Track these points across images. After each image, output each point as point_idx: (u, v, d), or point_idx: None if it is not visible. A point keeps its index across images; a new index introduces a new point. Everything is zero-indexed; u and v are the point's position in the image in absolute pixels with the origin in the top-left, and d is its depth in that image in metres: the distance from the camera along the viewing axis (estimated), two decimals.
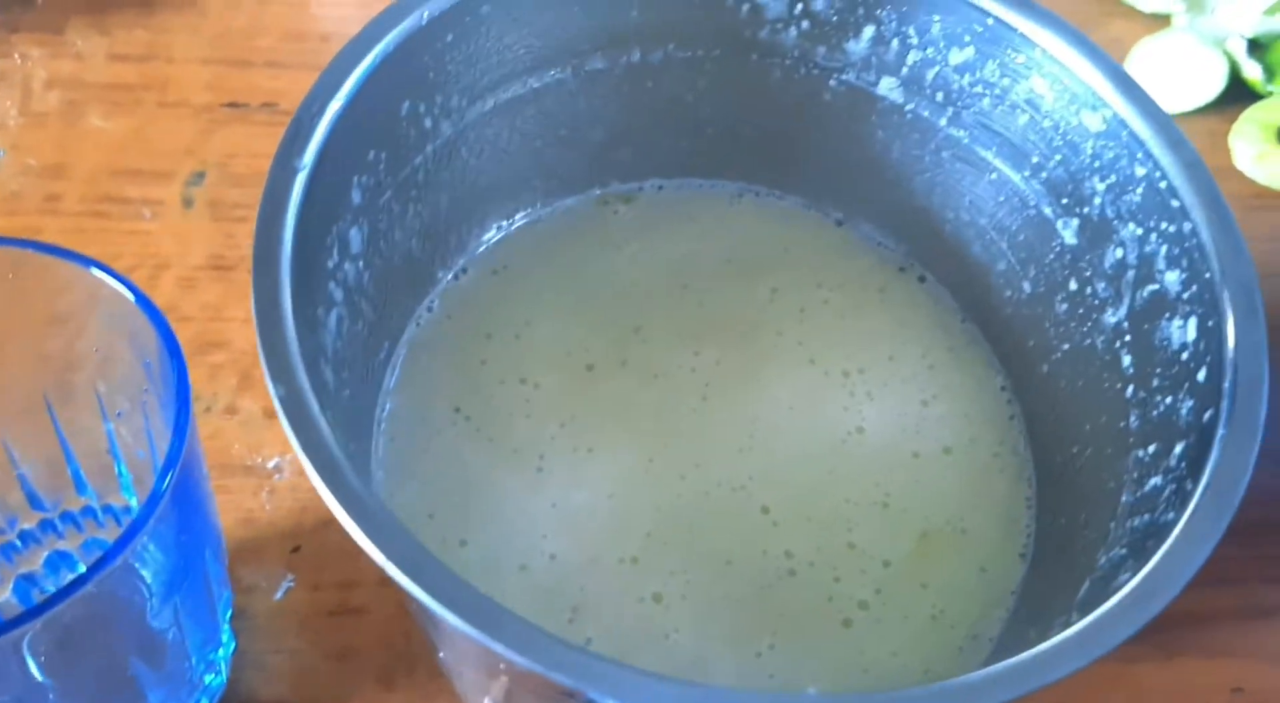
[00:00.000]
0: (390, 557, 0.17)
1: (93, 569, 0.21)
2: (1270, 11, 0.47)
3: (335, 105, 0.21)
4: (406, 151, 0.24)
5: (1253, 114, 0.44)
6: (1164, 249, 0.22)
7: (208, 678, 0.29)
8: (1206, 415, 0.20)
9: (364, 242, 0.23)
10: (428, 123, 0.24)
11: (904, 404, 0.27)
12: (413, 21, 0.22)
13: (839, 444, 0.26)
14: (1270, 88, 0.44)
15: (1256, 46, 0.46)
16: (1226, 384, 0.20)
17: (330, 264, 0.22)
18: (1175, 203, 0.22)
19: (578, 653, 0.17)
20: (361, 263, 0.23)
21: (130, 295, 0.24)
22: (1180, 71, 0.45)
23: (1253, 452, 0.19)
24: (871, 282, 0.29)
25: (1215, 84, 0.44)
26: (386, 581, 0.32)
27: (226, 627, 0.30)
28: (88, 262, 0.24)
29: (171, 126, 0.40)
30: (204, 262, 0.38)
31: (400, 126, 0.24)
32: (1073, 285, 0.25)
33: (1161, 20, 0.47)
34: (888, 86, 0.27)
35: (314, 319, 0.21)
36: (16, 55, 0.42)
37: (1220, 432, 0.19)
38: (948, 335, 0.28)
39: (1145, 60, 0.45)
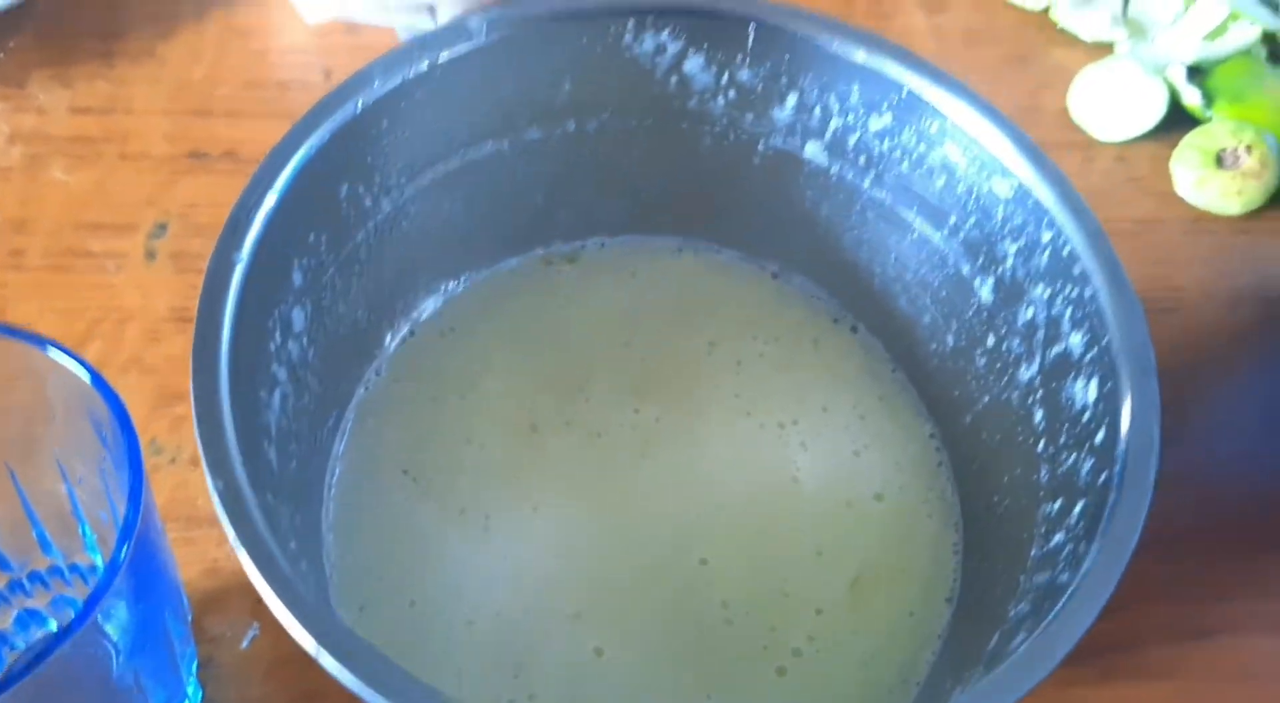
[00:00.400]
0: (314, 636, 0.18)
1: (50, 645, 0.22)
2: (1210, 37, 0.48)
3: (271, 198, 0.22)
4: (348, 230, 0.25)
5: (1192, 140, 0.45)
6: (1068, 312, 0.23)
7: None
8: (1102, 477, 0.21)
9: (307, 319, 0.24)
10: (368, 202, 0.25)
11: (837, 453, 0.28)
12: (346, 111, 0.23)
13: (775, 495, 0.28)
14: (1209, 114, 0.46)
15: (1196, 73, 0.47)
16: (1120, 449, 0.21)
17: (273, 347, 0.23)
18: (1077, 269, 0.23)
19: None
20: (306, 339, 0.24)
21: (85, 375, 0.25)
22: (1122, 99, 0.46)
23: (1140, 519, 0.20)
24: (806, 333, 0.30)
25: (1156, 111, 0.46)
26: None
27: (193, 679, 0.31)
28: (43, 342, 0.25)
29: (133, 178, 0.41)
30: (168, 313, 0.38)
31: (340, 208, 0.25)
32: (990, 341, 0.26)
33: (1104, 48, 0.48)
34: (813, 150, 0.28)
35: (256, 403, 0.21)
36: None
37: (1112, 497, 0.20)
38: (879, 385, 0.29)
39: (1088, 89, 0.46)
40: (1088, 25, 0.48)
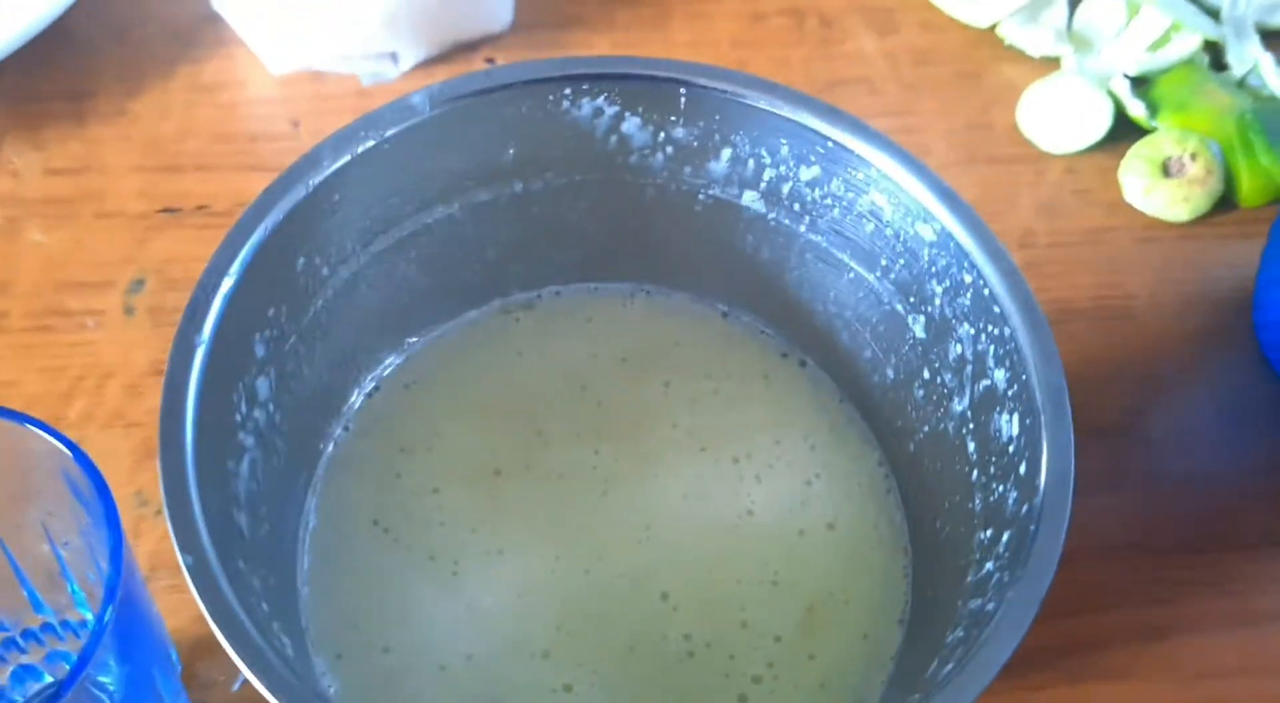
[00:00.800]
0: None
1: None
2: (1153, 48, 0.49)
3: (228, 282, 0.23)
4: (307, 300, 0.26)
5: (1139, 150, 0.46)
6: (991, 349, 0.25)
7: None
8: (1024, 508, 0.22)
9: (272, 387, 0.26)
10: (324, 271, 0.27)
11: (789, 484, 0.30)
12: (298, 192, 0.24)
13: (730, 528, 0.29)
14: (1154, 123, 0.47)
15: (1140, 84, 0.49)
16: (1039, 482, 0.22)
17: (239, 418, 0.24)
18: (996, 308, 0.24)
19: None
20: (272, 406, 0.26)
21: (65, 449, 0.26)
22: (1069, 113, 0.47)
23: (1059, 542, 0.21)
24: (756, 369, 0.31)
25: (1102, 124, 0.47)
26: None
27: None
28: (22, 419, 0.26)
29: (109, 236, 0.42)
30: (148, 368, 0.39)
31: (298, 280, 0.26)
32: (926, 374, 0.28)
33: (1051, 63, 0.50)
34: (750, 199, 0.29)
35: (224, 474, 0.23)
36: None
37: (1033, 528, 0.22)
38: (828, 416, 0.31)
39: (1036, 104, 0.48)
40: (1034, 41, 0.50)
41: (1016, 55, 0.50)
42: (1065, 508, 0.21)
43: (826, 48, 0.50)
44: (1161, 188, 0.46)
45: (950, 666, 0.21)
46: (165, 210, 0.43)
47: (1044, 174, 0.47)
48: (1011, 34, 0.50)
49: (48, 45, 0.46)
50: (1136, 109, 0.47)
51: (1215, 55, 0.50)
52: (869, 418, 0.30)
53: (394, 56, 0.46)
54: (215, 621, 0.19)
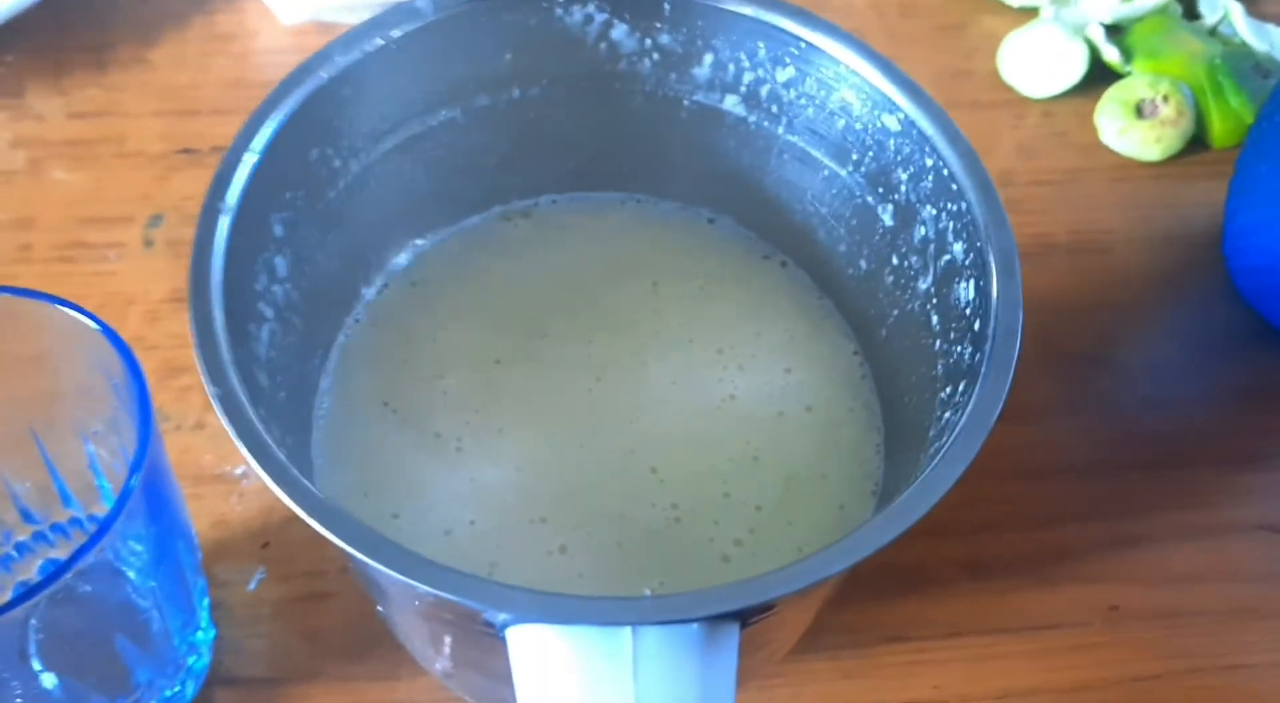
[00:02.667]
0: (302, 506, 0.21)
1: (75, 555, 0.25)
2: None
3: (251, 157, 0.25)
4: (320, 188, 0.29)
5: (1114, 93, 0.48)
6: (951, 225, 0.27)
7: (191, 660, 0.33)
8: (976, 358, 0.24)
9: (289, 267, 0.28)
10: (336, 163, 0.29)
11: (770, 373, 0.32)
12: (312, 83, 0.27)
13: (715, 410, 0.31)
14: (1128, 68, 0.49)
15: (1115, 31, 0.51)
16: (990, 331, 0.24)
17: (259, 287, 0.26)
18: (955, 186, 0.26)
19: (472, 579, 0.21)
20: (289, 284, 0.28)
21: (95, 326, 0.28)
22: (1046, 60, 0.49)
23: (1005, 383, 0.23)
24: (740, 270, 0.33)
25: (1078, 69, 0.49)
26: (348, 567, 0.36)
27: (205, 614, 0.34)
28: (56, 300, 0.28)
29: (129, 175, 0.44)
30: (166, 296, 0.41)
31: (312, 169, 0.28)
32: (894, 260, 0.30)
33: (1030, 13, 0.52)
34: (731, 103, 0.31)
35: (246, 333, 0.25)
36: None
37: (983, 369, 0.24)
38: (807, 311, 0.33)
39: (1015, 51, 0.50)
40: None
41: (996, 7, 0.52)
42: (1013, 350, 0.23)
43: (817, 1, 0.52)
44: (1135, 129, 0.47)
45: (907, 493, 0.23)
46: (183, 151, 0.45)
47: (1023, 117, 0.49)
48: None
49: (67, 1, 0.48)
50: (1111, 55, 0.49)
51: (1188, 4, 0.52)
52: (845, 311, 0.33)
53: None
54: (243, 441, 0.21)
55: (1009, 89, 0.50)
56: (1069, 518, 0.39)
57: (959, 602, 0.37)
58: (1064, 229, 0.46)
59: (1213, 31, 0.51)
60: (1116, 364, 0.43)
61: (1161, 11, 0.50)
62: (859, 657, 0.36)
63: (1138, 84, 0.48)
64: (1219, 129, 0.48)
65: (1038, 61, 0.49)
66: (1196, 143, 0.48)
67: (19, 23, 0.46)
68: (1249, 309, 0.43)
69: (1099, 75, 0.49)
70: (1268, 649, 0.37)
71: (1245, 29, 0.50)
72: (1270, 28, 0.49)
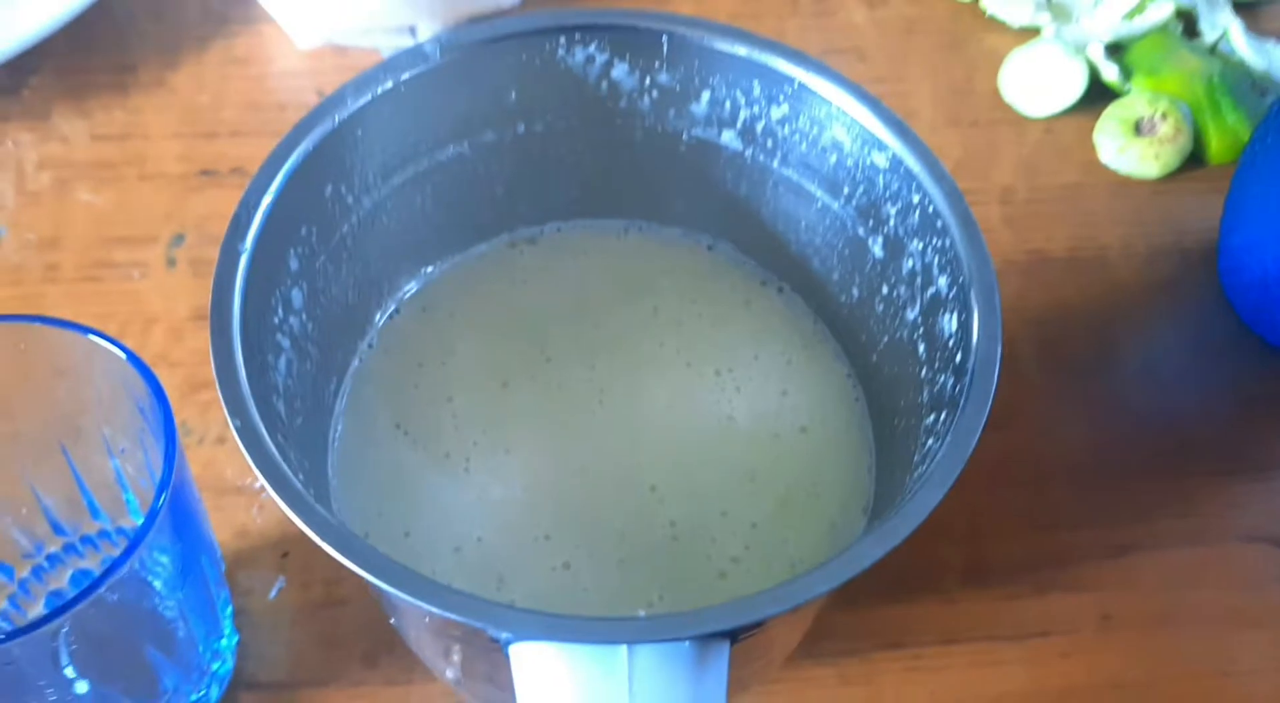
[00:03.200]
0: (318, 532, 0.22)
1: (107, 571, 0.27)
2: (1129, 17, 0.52)
3: (268, 198, 0.27)
4: (334, 223, 0.30)
5: (1113, 111, 0.49)
6: (936, 259, 0.28)
7: (215, 665, 0.35)
8: (957, 389, 0.26)
9: (304, 299, 0.29)
10: (349, 199, 0.30)
11: (766, 395, 0.33)
12: (327, 125, 0.28)
13: (713, 430, 0.32)
14: (1127, 87, 0.50)
15: (1115, 50, 0.51)
16: (970, 364, 0.25)
17: (276, 320, 0.28)
18: (939, 223, 0.28)
19: (484, 603, 0.23)
20: (305, 316, 0.29)
21: (122, 354, 0.29)
22: (1047, 79, 0.50)
23: (982, 417, 0.24)
24: (738, 295, 0.35)
25: (1077, 88, 0.50)
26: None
27: (228, 621, 0.35)
28: (84, 329, 0.30)
29: (152, 196, 0.46)
30: (189, 313, 0.43)
31: (326, 205, 0.29)
32: (884, 290, 0.31)
33: (1031, 33, 0.53)
34: (728, 137, 0.32)
35: (265, 365, 0.26)
36: (10, 142, 0.47)
37: (962, 401, 0.25)
38: (803, 336, 0.34)
39: (1016, 70, 0.51)
40: (1015, 12, 0.53)
41: (997, 26, 0.53)
42: (991, 383, 0.24)
43: (820, 19, 0.53)
44: (1134, 146, 0.48)
45: (891, 519, 0.24)
46: (203, 172, 0.46)
47: (1023, 135, 0.50)
48: (993, 6, 0.53)
49: (91, 24, 0.50)
50: (1110, 73, 0.50)
51: (1188, 23, 0.53)
52: (838, 335, 0.34)
53: (412, 30, 0.49)
54: (261, 471, 0.23)
55: (1009, 107, 0.50)
56: (1065, 525, 0.40)
57: (956, 608, 0.38)
58: (1062, 244, 0.47)
59: (1213, 49, 0.51)
60: (1114, 375, 0.43)
61: (1162, 30, 0.51)
62: (858, 663, 0.36)
63: (1137, 102, 0.49)
64: (1216, 146, 0.48)
65: (1038, 80, 0.50)
66: (1194, 160, 0.49)
67: (44, 46, 0.48)
68: (1243, 324, 0.44)
69: (1098, 93, 0.50)
70: (1258, 656, 0.37)
71: (1244, 46, 0.50)
72: (1270, 45, 0.50)
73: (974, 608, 0.38)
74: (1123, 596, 0.39)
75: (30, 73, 0.48)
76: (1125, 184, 0.49)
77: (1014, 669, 0.37)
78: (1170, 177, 0.49)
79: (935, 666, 0.37)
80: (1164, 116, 0.48)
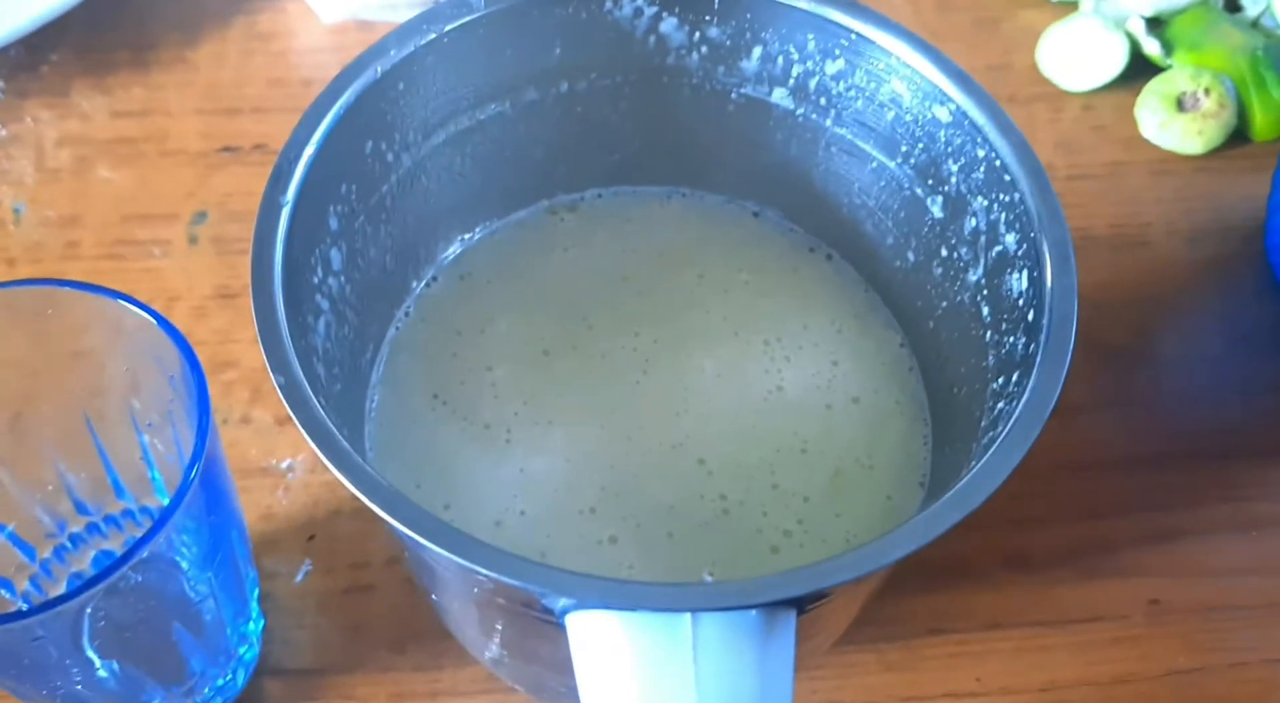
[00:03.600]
0: (370, 496, 0.21)
1: (136, 546, 0.25)
2: None
3: (309, 150, 0.26)
4: (373, 182, 0.29)
5: (1154, 86, 0.48)
6: (1003, 216, 0.27)
7: (242, 649, 0.34)
8: (1031, 348, 0.24)
9: (344, 260, 0.28)
10: (389, 157, 0.29)
11: (817, 364, 0.32)
12: (369, 76, 0.27)
13: (761, 402, 0.31)
14: (1169, 61, 0.49)
15: (1156, 24, 0.50)
16: (1044, 321, 0.24)
17: (316, 280, 0.27)
18: (1007, 177, 0.26)
19: (533, 564, 0.21)
20: (343, 277, 0.28)
21: (152, 320, 0.28)
22: (1086, 53, 0.49)
23: (1061, 372, 0.23)
24: (785, 262, 0.34)
25: (1118, 62, 0.49)
26: (393, 560, 0.36)
27: (255, 605, 0.34)
28: (113, 294, 0.29)
29: (173, 173, 0.45)
30: (211, 292, 0.42)
31: (366, 162, 0.28)
32: (944, 252, 0.30)
33: (1069, 6, 0.52)
34: (779, 96, 0.31)
35: (305, 325, 0.25)
36: (29, 118, 0.46)
37: (1038, 359, 0.24)
38: (853, 304, 0.33)
39: (1054, 45, 0.50)
40: None
41: (1034, 1, 0.52)
42: (1069, 339, 0.23)
43: None
44: (1176, 122, 0.47)
45: (965, 480, 0.23)
46: (225, 149, 0.46)
47: (1062, 111, 0.49)
48: None
49: (110, 1, 0.49)
50: (1152, 48, 0.49)
51: None
52: (891, 303, 0.33)
53: (435, 3, 0.48)
54: (306, 428, 0.22)
55: (1048, 83, 0.49)
56: (1109, 511, 0.39)
57: (999, 594, 0.37)
58: (1104, 223, 0.46)
59: (1255, 24, 0.50)
60: (1157, 358, 0.43)
61: (1203, 4, 0.50)
62: (901, 649, 0.36)
63: (1179, 77, 0.48)
64: (1261, 122, 0.47)
65: (1077, 55, 0.49)
66: (1238, 136, 0.48)
67: (62, 22, 0.47)
68: None
69: (1139, 68, 0.49)
70: None
71: None
72: None
73: (1018, 594, 0.37)
74: (1170, 582, 0.38)
75: (50, 49, 0.48)
76: (1167, 161, 0.48)
77: (1062, 656, 0.36)
78: (1214, 153, 0.48)
79: (980, 651, 0.36)
80: (1207, 92, 0.47)
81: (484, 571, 0.21)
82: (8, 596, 0.33)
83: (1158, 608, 0.37)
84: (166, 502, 0.34)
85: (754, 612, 0.21)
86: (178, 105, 0.47)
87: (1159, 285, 0.45)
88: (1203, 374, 0.42)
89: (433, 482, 0.29)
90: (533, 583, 0.21)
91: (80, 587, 0.25)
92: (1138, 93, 0.48)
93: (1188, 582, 0.37)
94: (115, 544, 0.35)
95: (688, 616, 0.21)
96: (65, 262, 0.43)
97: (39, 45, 0.47)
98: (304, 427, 0.22)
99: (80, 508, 0.34)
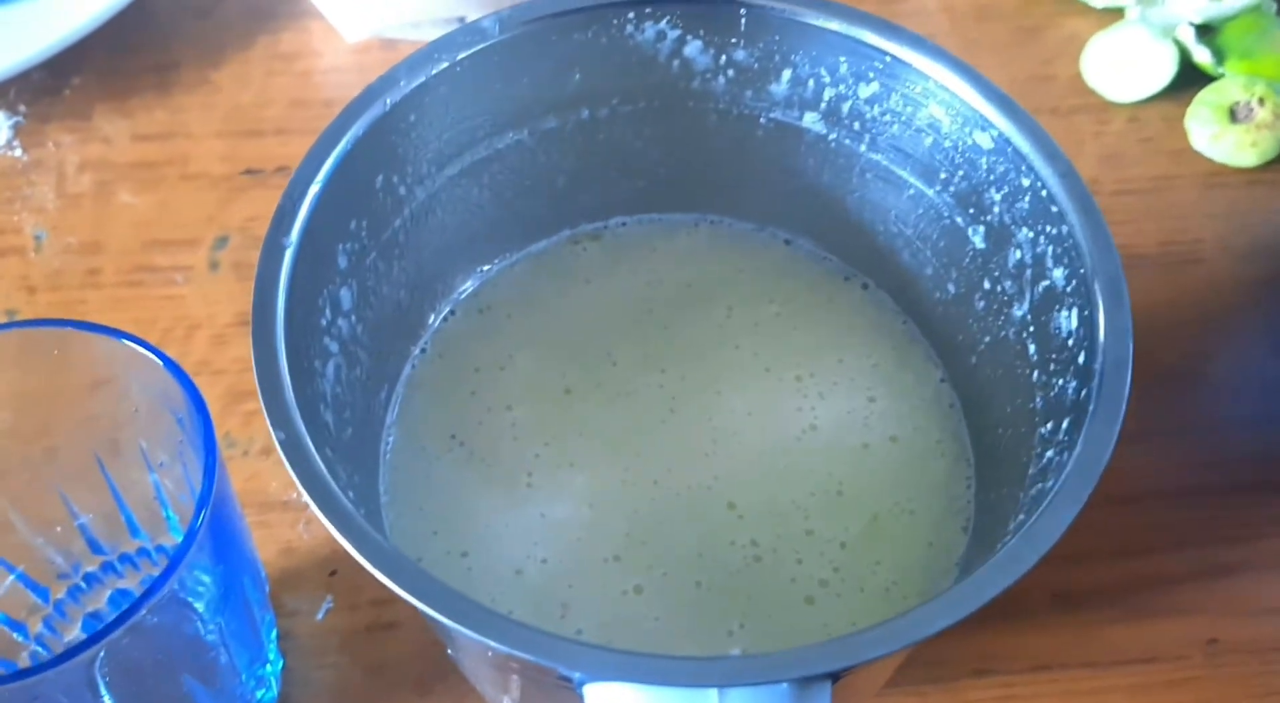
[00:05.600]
0: (368, 557, 0.20)
1: (142, 597, 0.25)
2: None
3: (314, 188, 0.25)
4: (385, 217, 0.28)
5: (1205, 97, 0.46)
6: (1050, 249, 0.25)
7: (259, 693, 0.33)
8: (1083, 394, 0.23)
9: (354, 299, 0.27)
10: (402, 190, 0.28)
11: (852, 401, 0.30)
12: (377, 109, 0.26)
13: (794, 442, 0.30)
14: (1220, 70, 0.47)
15: (1206, 31, 0.48)
16: (1097, 366, 0.23)
17: (324, 322, 0.25)
18: (1054, 208, 0.25)
19: (558, 639, 0.20)
20: (354, 317, 0.27)
21: (159, 361, 0.27)
22: (1133, 62, 0.47)
23: (1116, 424, 0.22)
24: (819, 293, 0.32)
25: (1166, 71, 0.47)
26: None
27: (273, 646, 0.33)
28: (120, 335, 0.28)
29: (194, 197, 0.44)
30: (232, 319, 0.41)
31: (377, 197, 0.27)
32: (986, 285, 0.28)
33: (1114, 14, 0.50)
34: (811, 120, 0.30)
35: (311, 371, 0.24)
36: (50, 143, 0.45)
37: (1090, 407, 0.22)
38: (890, 336, 0.31)
39: (1100, 54, 0.48)
40: None
41: (1079, 8, 0.50)
42: (1124, 385, 0.22)
43: (889, 4, 0.51)
44: (1229, 134, 0.45)
45: (1014, 541, 0.21)
46: (247, 172, 0.45)
47: (1108, 123, 0.47)
48: None
49: (132, 22, 0.48)
50: (1202, 56, 0.47)
51: None
52: (931, 336, 0.31)
53: (461, 21, 0.47)
54: (307, 488, 0.21)
55: (1093, 93, 0.48)
56: (1162, 546, 0.37)
57: (1047, 634, 0.35)
58: (1153, 240, 0.44)
59: None
60: (1211, 381, 0.41)
61: (1255, 10, 0.48)
62: (944, 691, 0.34)
63: (1231, 86, 0.46)
64: None
65: (1124, 64, 0.47)
66: None
67: (84, 45, 0.46)
68: None
69: (1188, 78, 0.47)
70: None
71: None
72: None
73: (1067, 633, 0.36)
74: (1229, 620, 0.36)
75: (71, 73, 0.47)
76: (1219, 174, 0.46)
77: (1115, 699, 0.34)
78: (1268, 165, 0.46)
79: (1027, 694, 0.34)
80: (1261, 101, 0.45)
81: (494, 643, 0.20)
82: (20, 639, 0.33)
83: (1216, 648, 0.35)
84: (180, 539, 0.34)
85: (785, 685, 0.20)
86: (200, 128, 0.46)
87: (1211, 305, 0.43)
88: (1258, 399, 0.41)
89: (450, 528, 0.28)
90: (547, 658, 0.19)
91: (89, 639, 0.25)
92: (1187, 103, 0.46)
93: (1247, 620, 0.36)
94: (132, 583, 0.35)
95: (714, 691, 0.19)
96: (86, 289, 0.42)
97: (60, 68, 0.47)
98: (303, 485, 0.21)
99: (95, 548, 0.34)
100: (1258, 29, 0.47)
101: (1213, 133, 0.45)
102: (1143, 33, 0.47)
